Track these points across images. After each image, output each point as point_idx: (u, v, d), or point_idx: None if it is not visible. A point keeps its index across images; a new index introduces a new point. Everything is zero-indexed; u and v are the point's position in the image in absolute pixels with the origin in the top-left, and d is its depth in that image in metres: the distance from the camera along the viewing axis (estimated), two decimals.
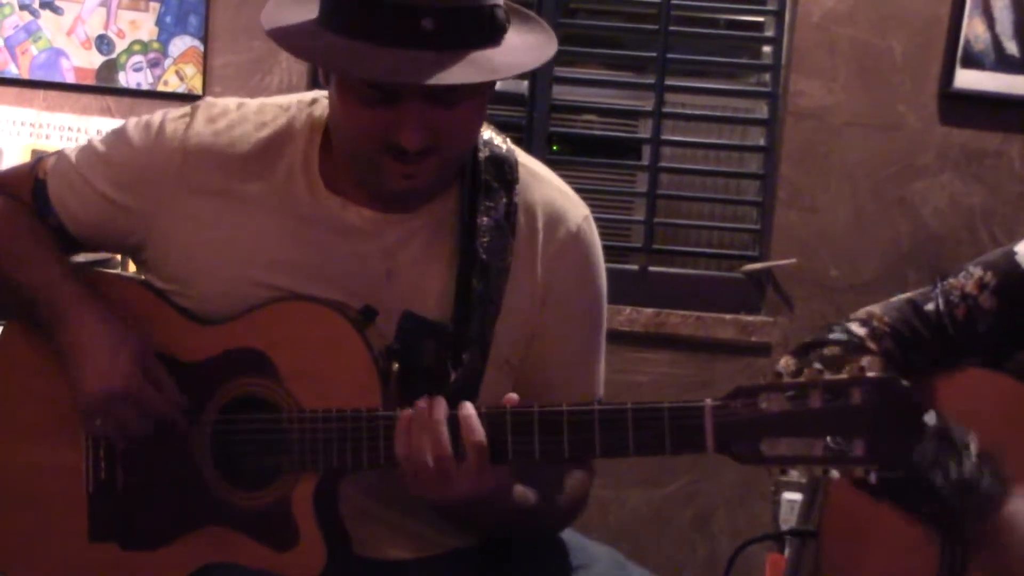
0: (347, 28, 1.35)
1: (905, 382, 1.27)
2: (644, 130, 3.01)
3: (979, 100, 2.83)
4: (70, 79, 2.86)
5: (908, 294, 1.79)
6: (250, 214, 1.51)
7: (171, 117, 1.55)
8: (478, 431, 1.35)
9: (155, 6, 2.85)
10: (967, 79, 2.81)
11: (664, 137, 2.96)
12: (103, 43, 2.86)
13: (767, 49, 2.99)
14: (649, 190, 2.96)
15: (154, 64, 2.86)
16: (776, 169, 2.92)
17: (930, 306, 1.73)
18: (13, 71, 2.85)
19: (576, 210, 1.58)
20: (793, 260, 2.87)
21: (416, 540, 1.55)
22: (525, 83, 2.95)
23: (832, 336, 1.75)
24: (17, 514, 1.57)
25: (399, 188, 1.44)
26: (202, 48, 2.86)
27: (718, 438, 1.31)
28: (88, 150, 1.58)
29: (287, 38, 1.43)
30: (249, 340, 1.48)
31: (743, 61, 3.11)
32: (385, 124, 1.38)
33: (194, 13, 2.85)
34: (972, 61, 2.80)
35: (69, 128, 2.85)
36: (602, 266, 1.60)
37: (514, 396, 1.39)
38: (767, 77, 2.98)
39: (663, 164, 2.97)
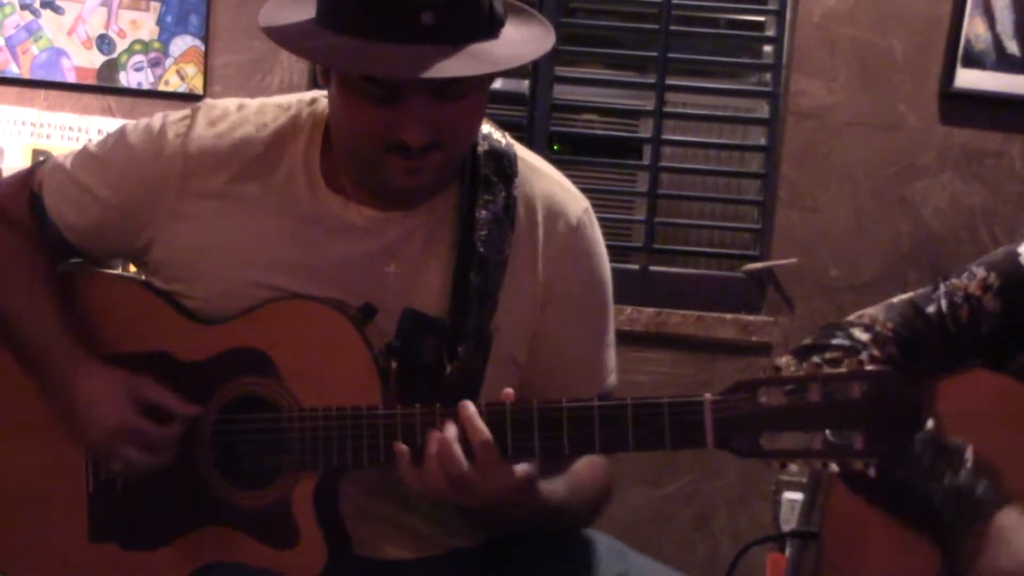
0: (346, 26, 1.35)
1: (903, 375, 1.27)
2: (645, 130, 3.01)
3: (980, 100, 2.83)
4: (71, 79, 2.86)
5: (908, 295, 1.78)
6: (251, 215, 1.51)
7: (171, 120, 1.54)
8: (482, 431, 1.35)
9: (156, 6, 2.85)
10: (968, 79, 2.81)
11: (665, 137, 2.96)
12: (104, 43, 2.86)
13: (768, 49, 2.99)
14: (650, 190, 2.96)
15: (155, 64, 2.86)
16: (777, 169, 2.92)
17: (932, 308, 1.73)
18: (14, 71, 2.85)
19: (576, 203, 1.59)
20: (794, 260, 2.87)
21: (416, 539, 1.55)
22: (526, 82, 2.95)
23: (835, 342, 1.74)
24: (17, 514, 1.57)
25: (403, 185, 1.44)
26: (203, 48, 2.86)
27: (718, 433, 1.31)
28: (85, 156, 1.58)
29: (289, 39, 1.43)
30: (249, 339, 1.48)
31: (744, 61, 3.10)
32: (388, 121, 1.38)
33: (195, 13, 2.85)
34: (973, 61, 2.80)
35: (70, 128, 2.85)
36: (604, 256, 1.60)
37: (510, 391, 1.39)
38: (768, 77, 2.98)
39: (664, 164, 2.97)
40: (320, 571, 1.44)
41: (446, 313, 1.48)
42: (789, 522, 2.62)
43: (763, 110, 3.00)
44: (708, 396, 1.32)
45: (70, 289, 1.57)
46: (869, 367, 1.27)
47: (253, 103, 1.57)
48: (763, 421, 1.29)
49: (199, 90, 2.85)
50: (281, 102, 1.57)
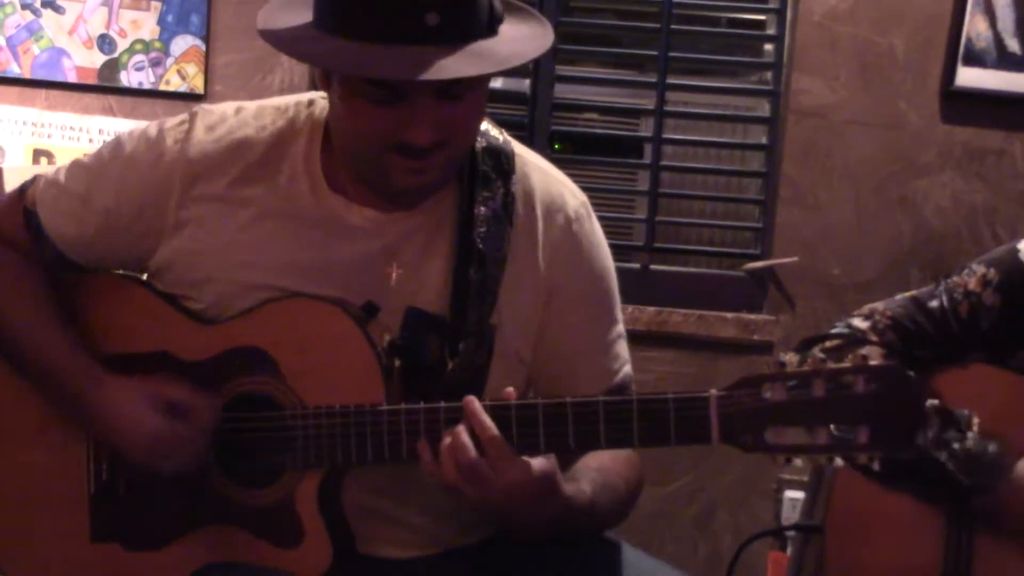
0: (347, 29, 1.35)
1: (907, 370, 1.28)
2: (646, 128, 3.01)
3: (981, 98, 2.83)
4: (72, 78, 2.86)
5: (911, 292, 1.79)
6: (254, 217, 1.50)
7: (169, 127, 1.53)
8: (488, 426, 1.34)
9: (157, 5, 2.85)
10: (969, 77, 2.81)
11: (666, 135, 2.96)
12: (105, 42, 2.86)
13: (769, 47, 2.99)
14: (651, 188, 2.96)
15: (156, 63, 2.86)
16: (778, 167, 2.92)
17: (934, 303, 1.74)
18: (15, 70, 2.85)
19: (573, 197, 1.59)
20: (795, 258, 2.87)
21: (419, 538, 1.55)
22: (527, 81, 2.95)
23: (834, 331, 1.75)
24: (19, 514, 1.57)
25: (407, 184, 1.44)
26: (204, 47, 2.85)
27: (722, 428, 1.31)
28: (79, 168, 1.56)
29: (290, 44, 1.42)
30: (251, 339, 1.48)
31: (745, 59, 3.10)
32: (393, 123, 1.37)
33: (196, 12, 2.85)
34: (974, 59, 2.80)
35: (71, 128, 2.85)
36: (605, 249, 1.60)
37: (511, 390, 1.39)
38: (769, 75, 2.98)
39: (665, 162, 2.97)
40: (325, 569, 1.44)
41: (446, 310, 1.48)
42: (791, 520, 2.62)
43: (764, 109, 3.00)
44: (713, 392, 1.32)
45: (71, 291, 1.57)
46: (872, 362, 1.27)
47: (250, 106, 1.56)
48: (768, 416, 1.30)
49: (200, 90, 2.85)
50: (279, 104, 1.56)
